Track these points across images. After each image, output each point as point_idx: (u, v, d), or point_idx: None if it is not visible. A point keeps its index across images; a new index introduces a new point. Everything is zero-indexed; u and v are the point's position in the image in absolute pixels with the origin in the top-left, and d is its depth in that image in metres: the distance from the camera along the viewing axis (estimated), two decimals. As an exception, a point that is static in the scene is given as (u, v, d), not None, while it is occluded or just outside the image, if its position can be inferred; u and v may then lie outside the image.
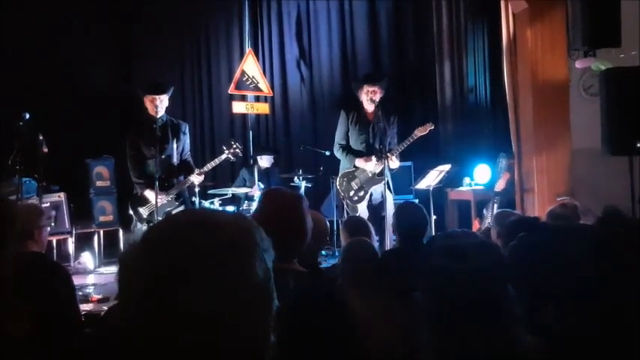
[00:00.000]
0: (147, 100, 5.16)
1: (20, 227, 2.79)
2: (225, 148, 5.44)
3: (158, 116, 5.14)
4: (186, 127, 5.42)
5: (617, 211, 2.11)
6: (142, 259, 0.79)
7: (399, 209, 3.62)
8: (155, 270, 0.77)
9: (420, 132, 5.63)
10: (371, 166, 5.62)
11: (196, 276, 0.76)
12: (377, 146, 5.63)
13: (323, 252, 6.73)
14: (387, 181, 5.62)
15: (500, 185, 6.18)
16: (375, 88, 5.66)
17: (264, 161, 7.21)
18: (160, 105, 5.12)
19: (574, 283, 1.92)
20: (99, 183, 6.90)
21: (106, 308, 4.40)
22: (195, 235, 0.80)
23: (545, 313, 1.89)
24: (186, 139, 5.39)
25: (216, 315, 0.76)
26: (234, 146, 5.42)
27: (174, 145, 5.22)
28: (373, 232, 3.72)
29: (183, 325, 0.75)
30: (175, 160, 5.26)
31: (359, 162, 5.68)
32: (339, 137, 5.85)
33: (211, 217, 0.84)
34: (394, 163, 5.59)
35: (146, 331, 0.76)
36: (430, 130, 5.71)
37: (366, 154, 5.70)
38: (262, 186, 6.89)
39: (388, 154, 5.47)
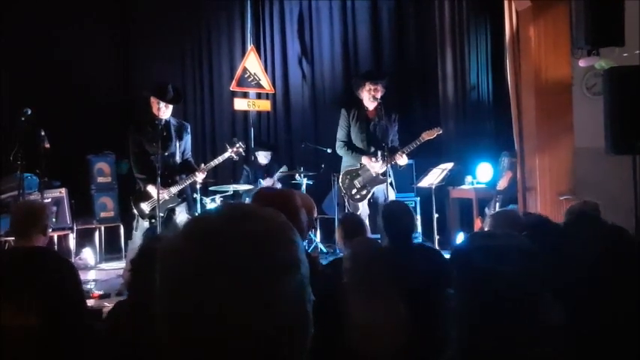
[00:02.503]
0: (154, 101, 5.15)
1: (41, 222, 2.84)
2: (228, 146, 5.44)
3: (163, 117, 5.15)
4: (188, 127, 5.43)
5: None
6: (185, 251, 0.78)
7: (384, 210, 3.54)
8: (199, 261, 0.76)
9: (427, 135, 5.62)
10: (377, 166, 5.60)
11: (245, 268, 0.76)
12: (379, 144, 5.61)
13: (324, 249, 6.74)
14: (391, 182, 5.61)
15: (502, 184, 6.17)
16: (377, 86, 5.63)
17: (262, 157, 7.20)
18: (165, 111, 5.13)
19: (574, 284, 1.93)
20: (100, 179, 6.90)
21: (107, 304, 4.40)
22: (244, 223, 0.79)
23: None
24: (188, 140, 5.40)
25: (262, 308, 0.76)
26: (238, 145, 5.41)
27: (177, 144, 5.23)
28: (369, 230, 3.70)
29: (225, 318, 0.74)
30: (178, 158, 5.27)
31: (365, 159, 5.66)
32: (341, 135, 5.82)
33: (256, 211, 0.84)
34: (403, 159, 5.58)
35: (183, 323, 0.75)
36: (438, 135, 5.70)
37: (369, 152, 5.68)
38: (263, 183, 6.89)
39: (398, 153, 5.47)
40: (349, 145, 5.76)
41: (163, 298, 0.78)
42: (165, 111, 5.13)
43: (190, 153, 5.47)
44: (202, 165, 5.27)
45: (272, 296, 0.76)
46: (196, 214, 0.92)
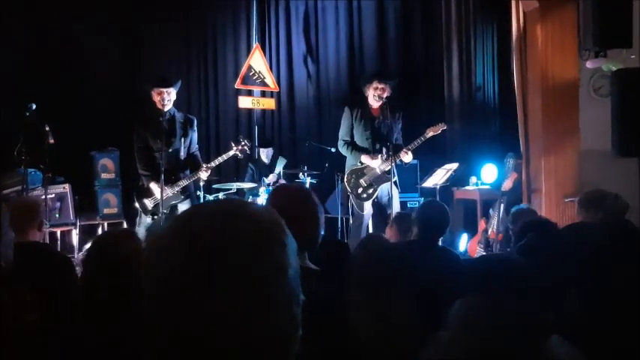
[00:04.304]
0: (154, 94, 5.17)
1: (36, 218, 2.87)
2: (233, 144, 5.42)
3: (166, 110, 5.14)
4: (194, 122, 5.41)
5: None
6: (171, 250, 0.76)
7: (425, 205, 3.62)
8: (184, 261, 0.75)
9: (431, 132, 5.59)
10: (377, 163, 5.57)
11: (228, 270, 0.74)
12: (384, 142, 5.58)
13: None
14: (395, 180, 5.58)
15: (507, 185, 6.13)
16: (384, 86, 5.61)
17: (263, 156, 7.18)
18: (167, 98, 5.13)
19: (574, 284, 1.94)
20: (104, 175, 6.88)
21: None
22: (233, 223, 0.78)
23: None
24: (194, 134, 5.39)
25: (246, 310, 0.74)
26: (243, 143, 5.39)
27: (182, 139, 5.22)
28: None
29: (209, 320, 0.73)
30: (183, 154, 5.26)
31: (365, 158, 5.64)
32: (343, 133, 5.81)
33: (246, 209, 0.82)
34: (408, 157, 5.55)
35: (169, 320, 0.74)
36: (443, 130, 5.67)
37: (371, 150, 5.66)
38: (267, 181, 6.86)
39: (403, 150, 5.45)
40: (350, 143, 5.75)
41: (149, 297, 0.77)
42: (167, 101, 5.12)
43: (197, 146, 5.46)
44: (204, 166, 5.23)
45: (256, 299, 0.75)
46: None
